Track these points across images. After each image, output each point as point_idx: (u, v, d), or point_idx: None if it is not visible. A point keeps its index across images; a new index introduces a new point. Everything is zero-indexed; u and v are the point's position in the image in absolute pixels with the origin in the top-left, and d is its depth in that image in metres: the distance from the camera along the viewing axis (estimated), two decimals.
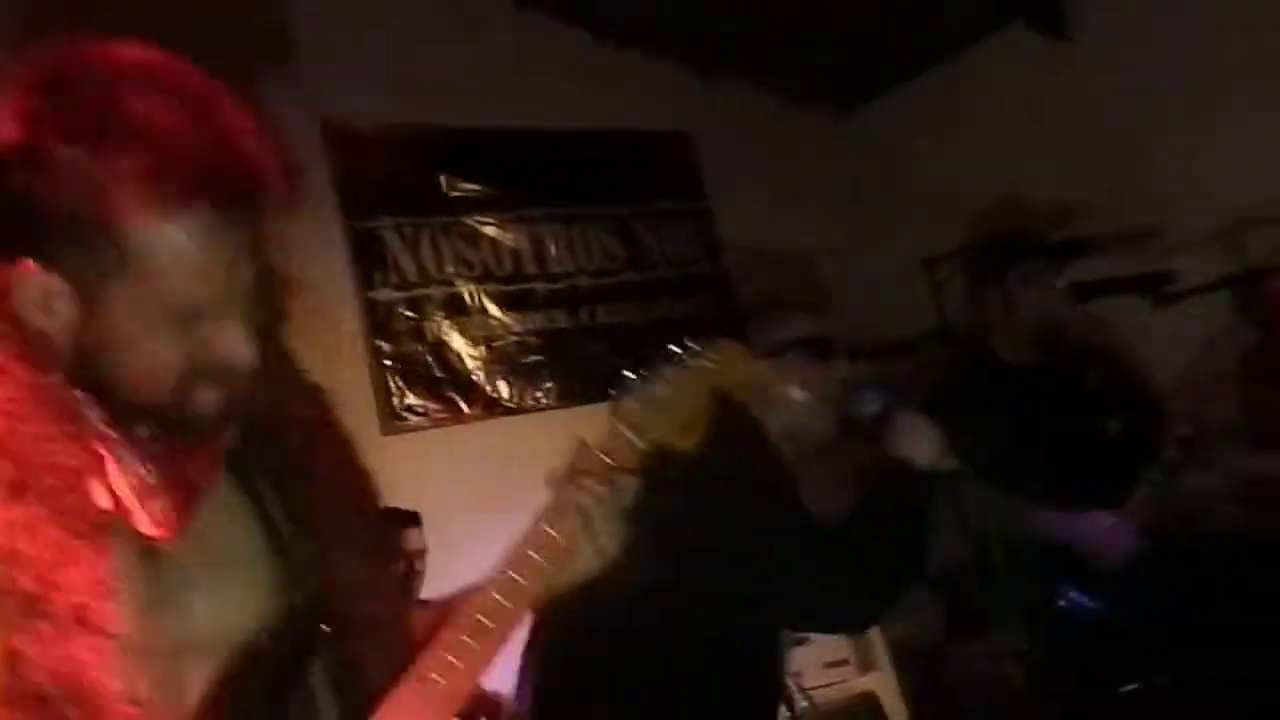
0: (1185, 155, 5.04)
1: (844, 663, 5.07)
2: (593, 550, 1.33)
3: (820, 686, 4.78)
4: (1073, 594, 2.73)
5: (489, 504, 4.84)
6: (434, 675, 1.25)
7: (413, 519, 3.92)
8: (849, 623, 2.12)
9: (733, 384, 1.41)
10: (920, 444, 2.01)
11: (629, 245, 5.79)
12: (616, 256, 5.75)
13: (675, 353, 1.36)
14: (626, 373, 1.37)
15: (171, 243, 1.14)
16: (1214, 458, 2.82)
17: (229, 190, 1.17)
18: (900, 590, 2.04)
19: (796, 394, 2.04)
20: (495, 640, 1.30)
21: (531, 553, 1.35)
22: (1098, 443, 2.82)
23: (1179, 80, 5.13)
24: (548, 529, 1.37)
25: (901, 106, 6.36)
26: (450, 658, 1.26)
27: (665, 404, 1.36)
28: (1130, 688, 2.70)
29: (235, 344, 1.21)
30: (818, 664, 4.82)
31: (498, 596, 1.31)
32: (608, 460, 1.38)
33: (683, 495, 1.73)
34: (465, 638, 1.28)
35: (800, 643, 4.74)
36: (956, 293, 4.56)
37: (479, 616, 1.29)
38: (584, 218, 5.68)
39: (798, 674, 4.56)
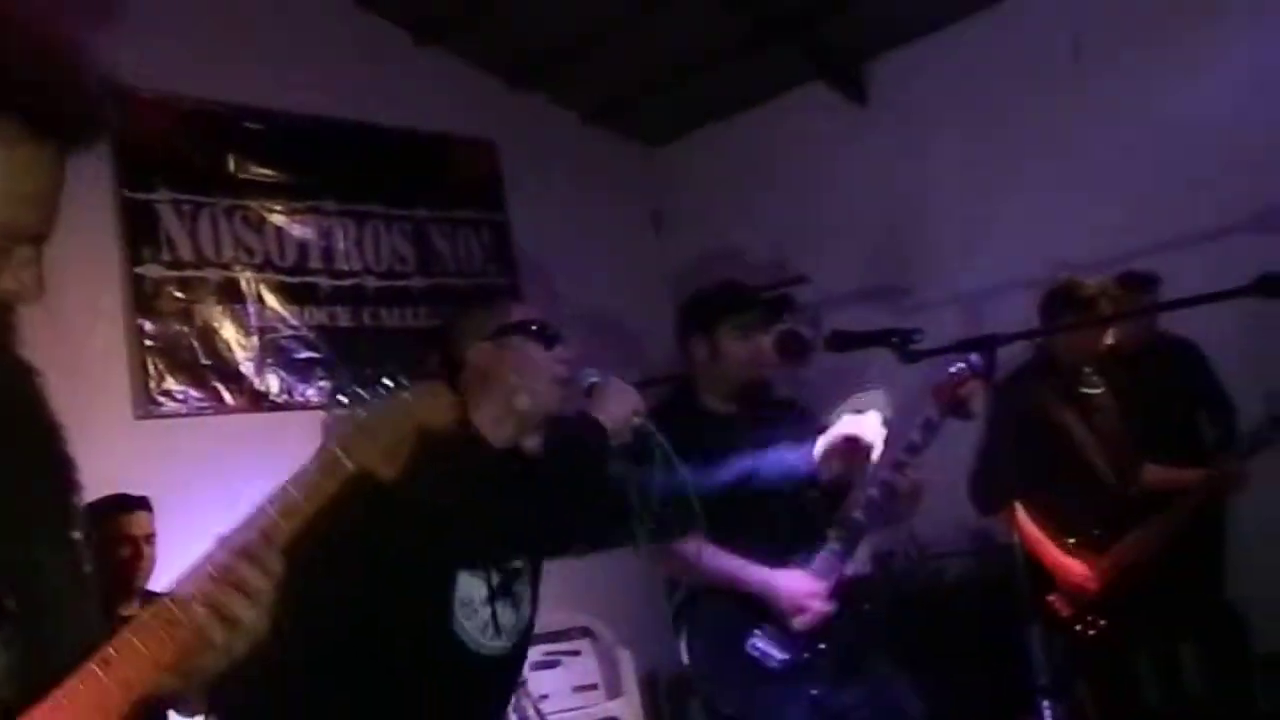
0: (955, 221, 5.38)
1: (593, 687, 5.11)
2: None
3: (569, 710, 4.79)
4: (759, 644, 2.79)
5: (245, 499, 4.67)
6: (111, 662, 1.21)
7: (141, 504, 3.76)
8: (532, 548, 2.22)
9: (434, 423, 1.41)
10: (611, 406, 2.19)
11: (421, 249, 5.69)
12: (407, 259, 5.64)
13: (387, 385, 1.37)
14: (340, 394, 1.37)
15: None
16: (896, 520, 2.98)
17: (42, 110, 1.15)
18: (577, 522, 2.25)
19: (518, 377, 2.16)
20: (183, 634, 1.26)
21: (231, 552, 1.32)
22: (788, 495, 2.92)
23: (956, 158, 5.49)
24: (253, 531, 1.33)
25: (705, 146, 6.52)
26: (136, 645, 1.23)
27: (373, 431, 1.36)
28: None
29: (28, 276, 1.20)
30: (567, 688, 4.83)
31: (192, 592, 1.27)
32: (315, 475, 1.36)
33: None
34: (152, 629, 1.24)
35: (550, 666, 4.75)
36: None
37: (171, 608, 1.25)
38: (378, 217, 5.56)
39: (545, 697, 4.56)
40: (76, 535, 1.34)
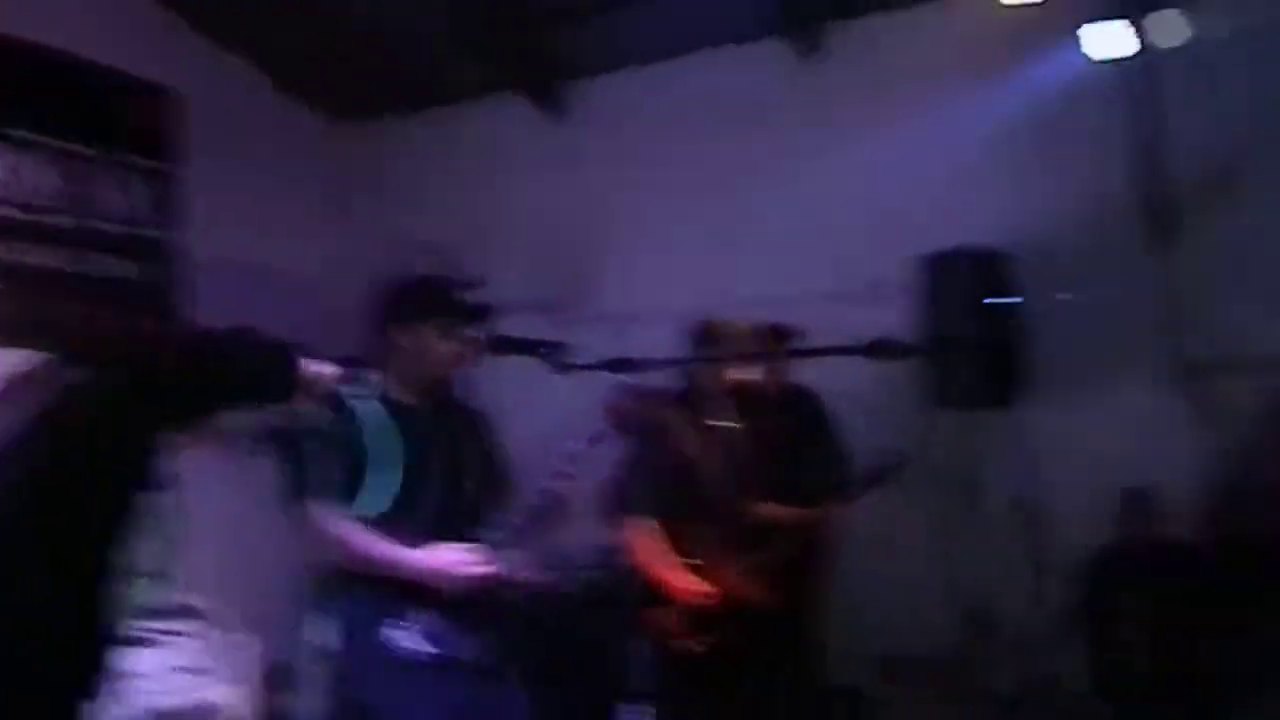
0: (626, 246, 5.68)
1: (201, 671, 4.89)
2: None
3: (165, 692, 4.56)
4: (405, 637, 2.79)
5: None
6: None
7: None
8: None
9: None
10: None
11: (77, 188, 5.27)
12: (59, 197, 5.21)
13: None
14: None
15: None
16: (552, 526, 3.09)
17: None
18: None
19: None
20: None
21: None
22: (455, 489, 2.98)
23: (637, 188, 5.77)
24: None
25: (398, 134, 6.47)
26: None
27: None
28: None
29: None
30: (166, 669, 4.60)
31: None
32: None
33: None
34: None
35: (152, 644, 4.52)
36: None
37: None
38: (33, 146, 5.10)
39: (143, 676, 4.33)
40: None
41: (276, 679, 4.98)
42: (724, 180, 5.61)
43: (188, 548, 4.21)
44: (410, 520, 2.87)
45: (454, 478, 2.97)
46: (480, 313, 3.00)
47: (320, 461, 2.49)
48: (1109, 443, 4.89)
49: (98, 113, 5.40)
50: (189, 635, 4.68)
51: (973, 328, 4.84)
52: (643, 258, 5.68)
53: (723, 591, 3.91)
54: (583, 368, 2.64)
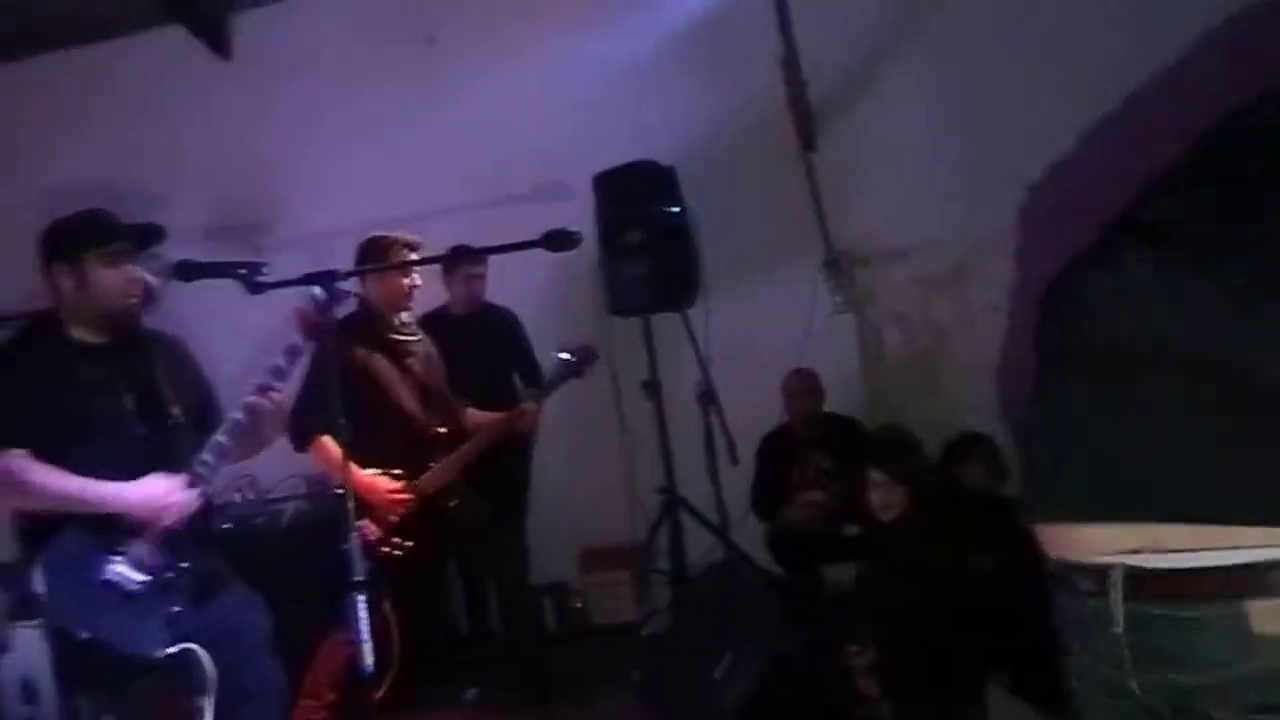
0: (305, 173, 5.73)
1: None
2: None
3: None
4: (118, 568, 2.81)
5: None
6: None
7: None
8: None
9: None
10: None
11: None
12: None
13: None
14: None
15: None
16: (259, 444, 3.15)
17: None
18: None
19: None
20: None
21: None
22: (157, 420, 2.98)
23: (308, 115, 5.78)
24: None
25: (57, 71, 6.09)
26: None
27: None
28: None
29: None
30: None
31: None
32: None
33: None
34: None
35: None
36: None
37: None
38: None
39: None
40: None
41: None
42: (387, 106, 5.71)
43: None
44: (114, 455, 2.85)
45: (154, 409, 2.96)
46: (145, 234, 2.97)
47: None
48: (772, 332, 5.40)
49: None
50: None
51: (640, 237, 5.19)
52: (320, 180, 5.72)
53: (419, 496, 4.05)
54: (275, 285, 2.71)
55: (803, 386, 5.26)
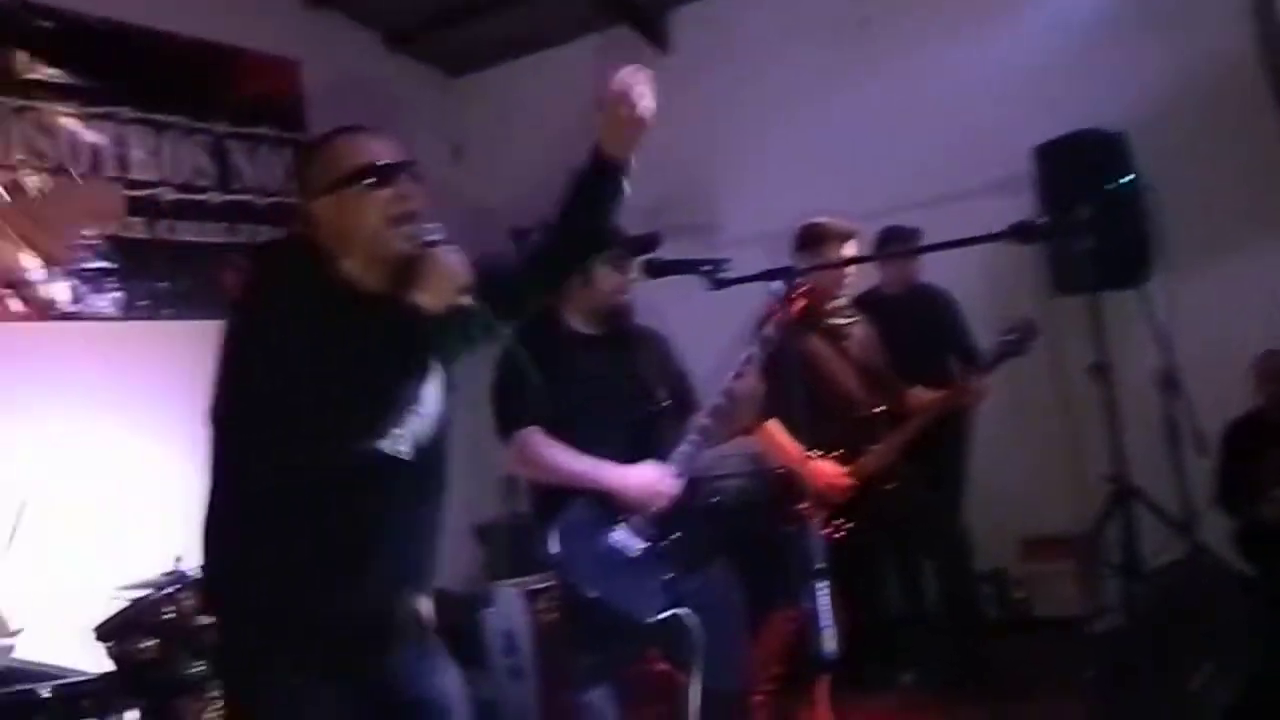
0: (748, 166, 5.79)
1: None
2: None
3: None
4: (619, 535, 3.07)
5: (27, 407, 4.59)
6: None
7: None
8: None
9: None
10: (436, 278, 2.08)
11: (220, 163, 5.63)
12: (206, 174, 5.58)
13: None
14: None
15: None
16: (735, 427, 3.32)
17: None
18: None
19: None
20: None
21: None
22: (649, 407, 3.22)
23: (748, 108, 5.88)
24: None
25: (507, 81, 6.65)
26: None
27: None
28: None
29: None
30: None
31: None
32: None
33: None
34: None
35: None
36: None
37: None
38: (176, 128, 5.46)
39: None
40: None
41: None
42: (824, 94, 5.71)
43: None
44: (607, 435, 3.13)
45: (642, 394, 3.22)
46: (645, 243, 3.21)
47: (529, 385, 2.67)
48: (1241, 310, 4.93)
49: (227, 89, 5.73)
50: None
51: (1087, 211, 4.88)
52: (755, 176, 5.82)
53: (859, 477, 4.08)
54: (738, 281, 2.83)
55: (1277, 368, 4.79)
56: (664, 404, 3.26)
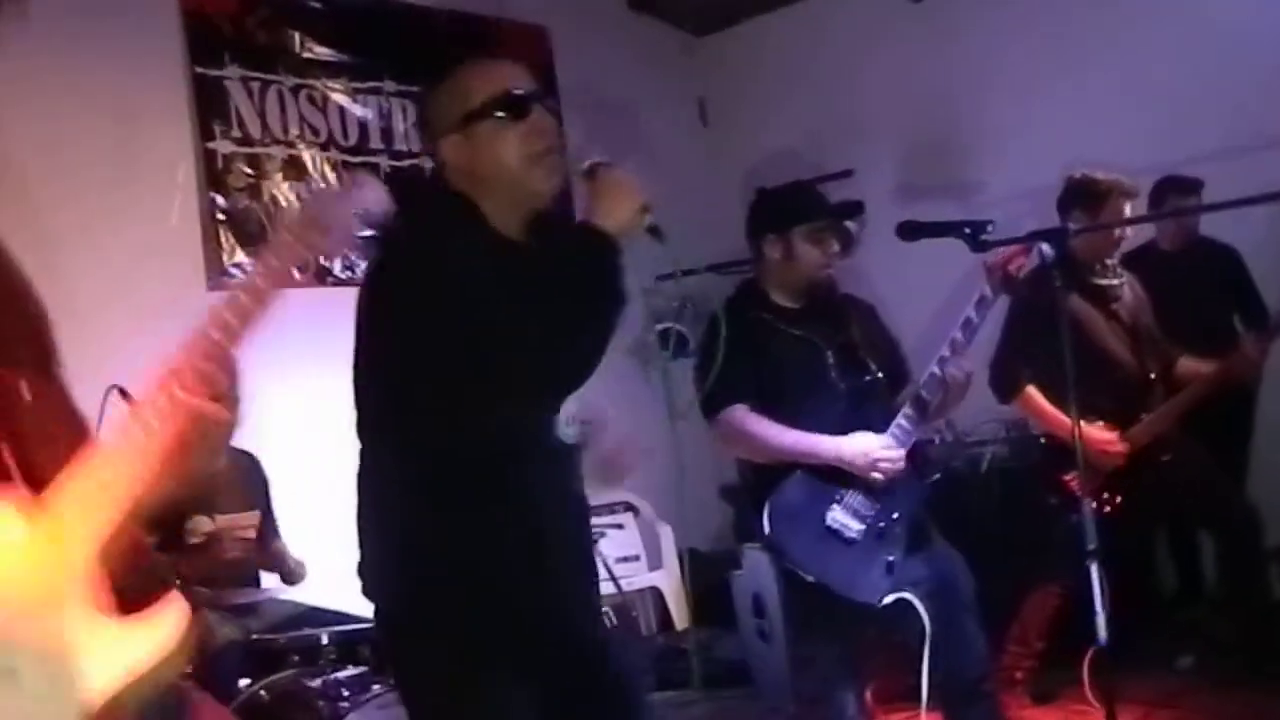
0: (1011, 119, 5.49)
1: (635, 559, 5.39)
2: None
3: (610, 579, 5.05)
4: (838, 516, 2.98)
5: (306, 368, 4.88)
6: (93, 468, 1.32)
7: None
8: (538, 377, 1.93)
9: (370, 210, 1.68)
10: (613, 200, 1.93)
11: None
12: None
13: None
14: None
15: None
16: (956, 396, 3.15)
17: None
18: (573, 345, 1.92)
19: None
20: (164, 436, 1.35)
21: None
22: (859, 378, 3.12)
23: (1004, 57, 5.56)
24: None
25: (753, 38, 6.55)
26: (116, 451, 1.35)
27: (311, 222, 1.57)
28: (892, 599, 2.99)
29: None
30: (611, 559, 5.08)
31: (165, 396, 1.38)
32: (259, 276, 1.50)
33: None
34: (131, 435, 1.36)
35: (596, 538, 5.01)
36: None
37: (149, 414, 1.37)
38: (403, 96, 5.63)
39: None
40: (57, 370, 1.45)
41: (691, 564, 5.39)
42: (1098, 36, 5.32)
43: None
44: (818, 409, 3.05)
45: (853, 366, 3.12)
46: (847, 210, 3.10)
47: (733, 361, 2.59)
48: None
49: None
50: (626, 528, 5.16)
51: None
52: (1020, 128, 5.49)
53: (1132, 446, 3.82)
54: (1001, 243, 2.69)
55: None
56: (877, 375, 3.14)
